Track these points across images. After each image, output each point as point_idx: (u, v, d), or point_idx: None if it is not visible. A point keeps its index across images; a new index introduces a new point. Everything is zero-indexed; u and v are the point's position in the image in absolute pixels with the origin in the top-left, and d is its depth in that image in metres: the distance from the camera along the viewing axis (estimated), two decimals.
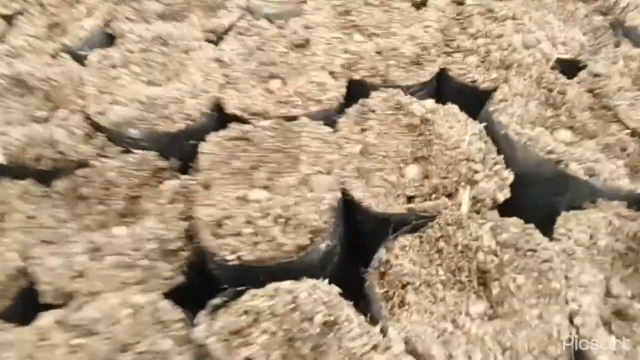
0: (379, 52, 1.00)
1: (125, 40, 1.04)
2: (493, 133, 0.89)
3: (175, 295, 0.75)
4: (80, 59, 1.04)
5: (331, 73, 0.97)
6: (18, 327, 0.70)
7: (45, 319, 0.70)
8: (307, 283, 0.67)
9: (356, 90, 0.99)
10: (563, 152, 0.82)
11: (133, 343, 0.68)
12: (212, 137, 0.87)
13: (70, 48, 1.08)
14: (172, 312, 0.71)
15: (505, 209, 0.81)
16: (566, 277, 0.71)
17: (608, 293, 0.75)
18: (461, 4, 1.15)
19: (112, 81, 0.95)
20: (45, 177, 0.91)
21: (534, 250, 0.72)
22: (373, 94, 0.96)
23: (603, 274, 0.74)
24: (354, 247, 0.89)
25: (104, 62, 0.99)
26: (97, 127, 0.93)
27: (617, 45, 1.09)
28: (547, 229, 0.78)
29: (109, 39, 1.13)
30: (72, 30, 1.14)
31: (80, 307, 0.71)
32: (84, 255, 0.77)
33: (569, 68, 1.04)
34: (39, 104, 1.00)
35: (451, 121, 0.90)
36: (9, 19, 1.21)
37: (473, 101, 0.98)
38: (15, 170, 0.92)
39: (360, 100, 0.95)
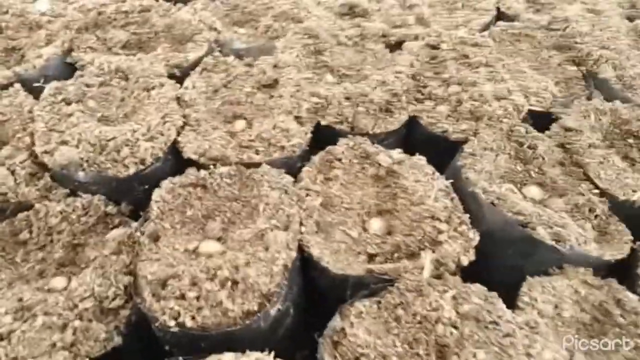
0: (347, 98, 0.97)
1: (84, 72, 0.99)
2: (460, 189, 0.86)
3: (112, 356, 0.69)
4: (33, 91, 0.99)
5: (297, 118, 0.93)
6: None
7: None
8: (250, 357, 0.62)
9: (322, 135, 0.95)
10: (530, 213, 0.79)
11: None
12: (166, 183, 0.82)
13: (24, 77, 1.02)
14: None
15: (469, 271, 0.78)
16: (528, 354, 0.67)
17: None
18: (436, 48, 1.12)
19: (63, 118, 0.89)
20: None
21: (496, 323, 0.68)
22: (340, 141, 0.92)
23: (566, 348, 0.70)
24: (310, 302, 0.84)
25: (57, 96, 0.94)
26: (44, 167, 0.87)
27: (589, 97, 1.08)
28: (511, 295, 0.74)
29: (68, 68, 1.08)
30: (29, 57, 1.09)
31: None
32: (9, 316, 0.71)
33: (540, 119, 1.02)
34: None
35: (417, 174, 0.87)
36: None
37: (442, 149, 0.95)
38: None
39: (327, 148, 0.91)
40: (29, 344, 0.68)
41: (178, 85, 0.99)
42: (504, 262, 0.82)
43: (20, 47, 1.14)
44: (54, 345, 0.69)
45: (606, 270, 0.80)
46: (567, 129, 0.97)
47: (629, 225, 0.85)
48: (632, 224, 0.85)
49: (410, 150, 0.93)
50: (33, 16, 1.16)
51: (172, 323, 0.66)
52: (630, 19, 1.27)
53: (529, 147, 0.93)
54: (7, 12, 1.17)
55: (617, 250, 0.81)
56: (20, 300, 0.71)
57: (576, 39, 1.19)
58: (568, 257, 0.78)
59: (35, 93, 0.98)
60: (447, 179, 0.87)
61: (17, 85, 0.98)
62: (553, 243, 0.77)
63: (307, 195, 0.83)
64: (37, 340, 0.69)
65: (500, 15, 1.28)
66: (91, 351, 0.68)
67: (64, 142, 0.85)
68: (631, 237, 0.83)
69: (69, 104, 0.93)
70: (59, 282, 0.79)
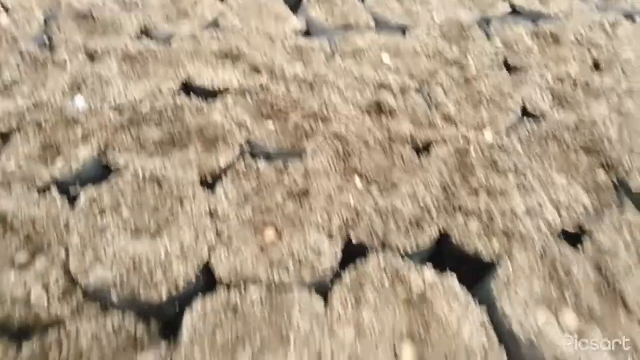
0: (378, 212, 0.97)
1: (119, 178, 1.01)
2: (495, 318, 0.84)
3: None
4: (69, 194, 1.01)
5: (329, 235, 0.93)
6: None
7: None
8: None
9: (353, 252, 0.95)
10: (572, 355, 0.77)
11: None
12: (198, 308, 0.82)
13: (60, 180, 1.05)
14: None
15: None
16: None
17: None
18: (465, 154, 1.13)
19: (98, 233, 0.90)
20: (16, 337, 0.84)
21: None
22: (370, 258, 0.91)
23: None
24: None
25: (93, 205, 0.95)
26: (75, 282, 0.87)
27: (620, 208, 1.06)
28: None
29: (103, 169, 1.10)
30: (64, 154, 1.12)
31: None
32: None
33: (570, 234, 1.01)
34: (19, 245, 0.95)
35: (451, 301, 0.85)
36: (5, 137, 1.19)
37: (474, 268, 0.94)
38: None
39: (357, 263, 0.91)
40: None
41: (210, 194, 1.00)
42: None
43: (57, 144, 1.17)
44: None
45: None
46: (601, 251, 0.95)
47: None
48: None
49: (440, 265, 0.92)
50: (70, 112, 1.20)
51: None
52: None
53: (564, 270, 0.92)
54: (46, 109, 1.21)
55: None
56: None
57: (603, 142, 1.19)
58: None
59: (71, 198, 1.00)
60: (479, 304, 0.85)
61: (55, 192, 1.00)
62: None
63: (339, 324, 0.82)
64: None
65: (525, 114, 1.29)
66: None
67: (99, 260, 0.86)
68: None
69: (103, 214, 0.95)
70: None
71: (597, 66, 1.52)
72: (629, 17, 1.76)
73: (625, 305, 0.88)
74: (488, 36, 1.64)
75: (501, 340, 0.80)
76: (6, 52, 1.40)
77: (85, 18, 1.61)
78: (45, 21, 1.57)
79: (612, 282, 0.91)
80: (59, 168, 1.08)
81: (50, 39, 1.50)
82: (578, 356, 0.76)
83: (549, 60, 1.52)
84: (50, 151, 1.17)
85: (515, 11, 1.80)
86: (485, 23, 1.72)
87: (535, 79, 1.41)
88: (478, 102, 1.34)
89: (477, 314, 0.83)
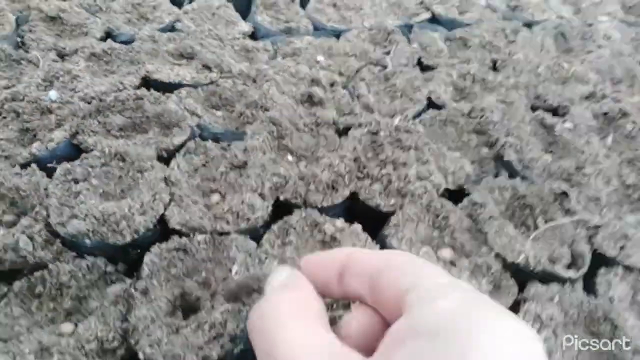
0: (302, 178, 1.22)
1: (89, 155, 1.22)
2: None
3: None
4: (46, 170, 1.21)
5: (261, 195, 1.18)
6: None
7: None
8: None
9: (281, 207, 1.19)
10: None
11: None
12: (155, 248, 1.05)
13: (38, 157, 1.25)
14: None
15: None
16: None
17: None
18: (376, 134, 1.40)
19: (72, 196, 1.12)
20: (6, 278, 1.04)
21: None
22: (295, 212, 1.16)
23: None
24: None
25: (67, 176, 1.17)
26: (56, 235, 1.08)
27: (496, 175, 1.36)
28: None
29: (75, 149, 1.31)
30: (40, 138, 1.32)
31: None
32: (32, 355, 0.91)
33: (456, 192, 1.29)
34: (6, 209, 1.15)
35: (354, 240, 1.11)
36: None
37: (376, 218, 1.21)
38: None
39: (284, 218, 1.15)
40: None
41: (165, 166, 1.23)
42: None
43: (33, 129, 1.37)
44: None
45: None
46: (474, 203, 1.23)
47: (516, 279, 1.10)
48: (518, 278, 1.10)
49: (351, 219, 1.18)
50: (44, 103, 1.40)
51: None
52: (534, 108, 1.58)
53: (443, 217, 1.19)
54: (22, 100, 1.40)
55: (505, 299, 1.06)
56: (40, 342, 0.91)
57: (489, 126, 1.48)
58: None
59: (48, 171, 1.21)
60: (377, 244, 1.12)
61: (34, 166, 1.20)
62: None
63: (266, 258, 1.06)
64: None
65: (431, 104, 1.57)
66: None
67: (74, 216, 1.07)
68: (516, 289, 1.08)
69: (76, 182, 1.16)
70: (67, 327, 0.99)
71: (494, 65, 1.83)
72: (528, 25, 2.09)
73: (486, 242, 1.16)
74: (408, 40, 1.93)
75: None
76: None
77: (53, 20, 1.81)
78: (17, 23, 1.75)
79: (480, 226, 1.19)
80: (36, 148, 1.28)
81: (22, 38, 1.69)
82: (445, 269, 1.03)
83: (456, 60, 1.82)
84: (27, 135, 1.37)
85: (434, 19, 2.11)
86: (407, 29, 2.01)
87: (441, 75, 1.70)
88: (393, 94, 1.62)
89: (373, 246, 1.09)
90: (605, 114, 1.58)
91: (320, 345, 0.36)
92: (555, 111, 1.61)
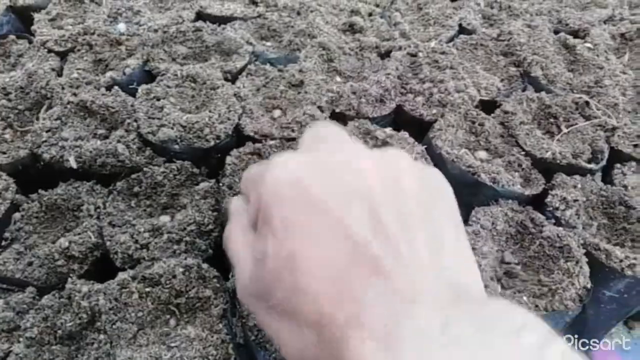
0: (354, 92, 1.38)
1: (163, 77, 1.39)
2: (432, 152, 1.27)
3: (208, 262, 1.09)
4: (128, 92, 1.38)
5: (319, 107, 1.34)
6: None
7: (124, 274, 1.03)
8: None
9: (337, 119, 1.36)
10: (477, 166, 1.21)
11: (185, 291, 1.01)
12: (234, 152, 1.23)
13: (118, 82, 1.41)
14: (210, 271, 1.05)
15: None
16: (473, 248, 1.08)
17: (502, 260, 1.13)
18: (415, 55, 1.54)
19: (157, 110, 1.29)
20: (105, 180, 1.23)
21: None
22: (349, 123, 1.33)
23: (497, 247, 1.13)
24: None
25: (150, 94, 1.33)
26: (147, 143, 1.26)
27: (523, 90, 1.51)
28: (465, 218, 1.16)
29: (148, 75, 1.47)
30: (113, 67, 1.48)
31: (148, 267, 1.04)
32: (146, 233, 1.10)
33: (489, 105, 1.45)
34: (98, 124, 1.33)
35: (403, 143, 1.28)
36: (63, 55, 1.53)
37: (420, 129, 1.37)
38: (82, 175, 1.24)
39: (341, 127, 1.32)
40: (160, 250, 1.08)
41: (233, 85, 1.39)
42: (460, 199, 1.24)
43: (105, 59, 1.53)
44: (174, 251, 1.09)
45: (527, 202, 1.23)
46: (506, 112, 1.39)
47: (543, 174, 1.27)
48: (546, 174, 1.28)
49: (398, 128, 1.34)
50: (113, 35, 1.55)
51: None
52: (556, 31, 1.70)
53: (479, 124, 1.36)
54: (93, 33, 1.55)
55: (534, 189, 1.24)
56: (152, 224, 1.11)
57: (516, 47, 1.61)
58: (501, 194, 1.21)
59: (130, 93, 1.37)
60: (423, 145, 1.29)
61: (117, 87, 1.37)
62: (491, 184, 1.19)
63: None
64: (165, 248, 1.08)
65: (462, 30, 1.70)
66: (199, 256, 1.08)
67: (163, 125, 1.25)
68: (544, 181, 1.26)
69: (158, 99, 1.33)
70: (165, 218, 1.18)
71: None
72: None
73: (518, 144, 1.33)
74: None
75: (434, 161, 1.24)
76: None
77: None
78: None
79: (511, 131, 1.35)
80: (112, 75, 1.44)
81: None
82: (482, 165, 1.21)
83: None
84: (100, 65, 1.53)
85: None
86: None
87: (470, 4, 1.81)
88: (426, 22, 1.74)
89: (419, 147, 1.26)
90: (623, 34, 1.70)
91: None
92: (576, 34, 1.73)
